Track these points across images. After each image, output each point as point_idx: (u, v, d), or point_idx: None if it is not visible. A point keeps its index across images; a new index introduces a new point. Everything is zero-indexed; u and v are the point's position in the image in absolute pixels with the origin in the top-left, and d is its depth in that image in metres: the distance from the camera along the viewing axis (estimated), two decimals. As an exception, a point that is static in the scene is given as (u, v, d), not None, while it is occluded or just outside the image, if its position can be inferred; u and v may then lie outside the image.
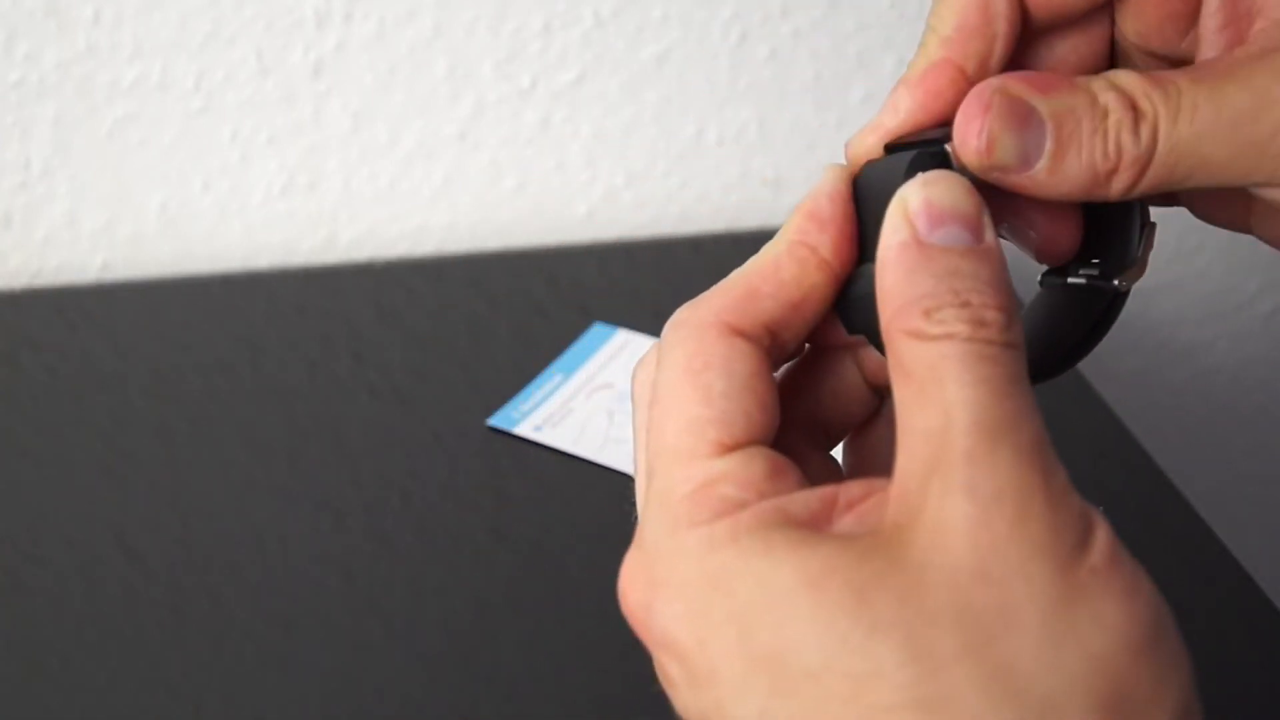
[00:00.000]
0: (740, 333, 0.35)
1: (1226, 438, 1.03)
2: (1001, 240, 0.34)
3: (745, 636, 0.31)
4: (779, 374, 0.37)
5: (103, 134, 0.80)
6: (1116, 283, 0.37)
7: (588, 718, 0.58)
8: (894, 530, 0.31)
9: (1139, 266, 0.37)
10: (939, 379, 0.31)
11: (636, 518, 0.35)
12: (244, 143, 0.82)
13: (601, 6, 0.82)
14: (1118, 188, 0.35)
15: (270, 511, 0.66)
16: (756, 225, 0.89)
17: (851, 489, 0.33)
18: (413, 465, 0.69)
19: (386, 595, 0.63)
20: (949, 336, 0.31)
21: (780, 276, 0.36)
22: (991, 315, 0.32)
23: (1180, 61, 0.38)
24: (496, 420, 0.71)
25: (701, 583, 0.32)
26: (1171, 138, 0.35)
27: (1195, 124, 0.35)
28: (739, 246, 0.86)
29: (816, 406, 0.38)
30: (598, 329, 0.77)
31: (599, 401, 0.72)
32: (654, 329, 0.77)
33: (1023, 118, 0.35)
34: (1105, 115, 0.35)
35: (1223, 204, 0.40)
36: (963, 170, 0.35)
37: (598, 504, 0.67)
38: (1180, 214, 0.41)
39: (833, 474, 0.38)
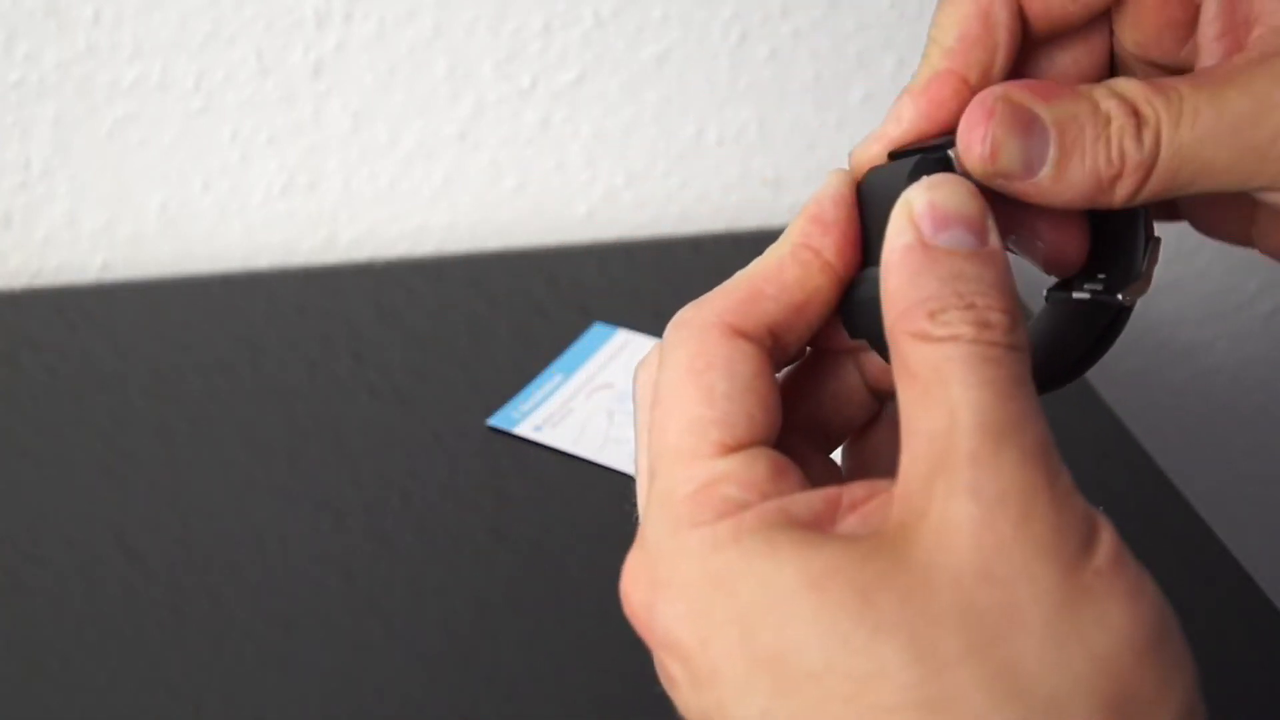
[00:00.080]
0: (743, 334, 0.35)
1: (1226, 438, 1.03)
2: (1008, 253, 0.35)
3: (747, 637, 0.31)
4: (780, 377, 0.37)
5: (103, 134, 0.80)
6: (1121, 297, 0.38)
7: (588, 718, 0.58)
8: (898, 531, 0.31)
9: (1144, 281, 0.38)
10: (944, 381, 0.31)
11: (638, 518, 0.35)
12: (244, 143, 0.82)
13: (601, 6, 0.82)
14: (1121, 194, 0.35)
15: (270, 511, 0.66)
16: (756, 225, 0.89)
17: (855, 490, 0.33)
18: (413, 465, 0.69)
19: (386, 595, 0.63)
20: (954, 338, 0.31)
21: (783, 279, 0.36)
22: (996, 317, 0.32)
23: (1179, 70, 0.38)
24: (496, 420, 0.71)
25: (704, 583, 0.32)
26: (1174, 143, 0.35)
27: (1197, 129, 0.35)
28: (739, 246, 0.86)
29: (817, 409, 0.38)
30: (598, 329, 0.77)
31: (599, 401, 0.72)
32: (654, 329, 0.77)
33: (1026, 124, 0.35)
34: (1108, 122, 0.35)
35: (1224, 216, 0.40)
36: (966, 177, 0.35)
37: (598, 504, 0.67)
38: (1180, 214, 0.41)
39: (833, 476, 0.38)
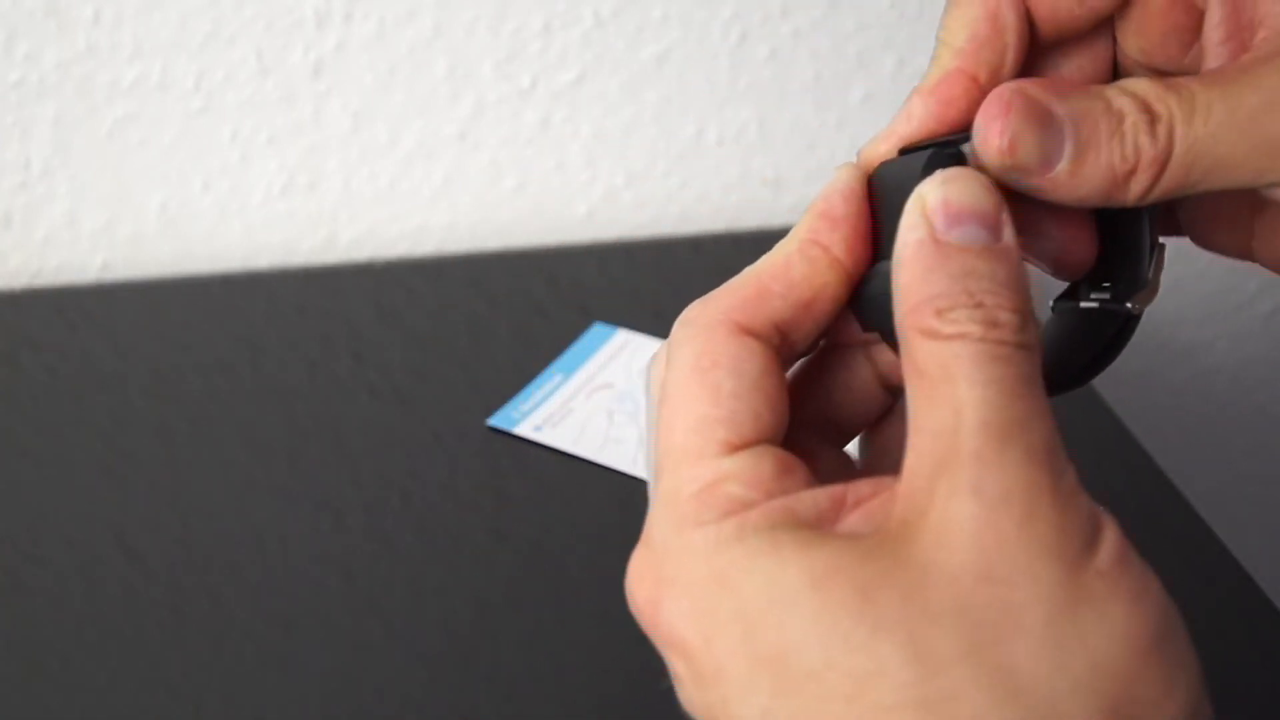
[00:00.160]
0: (750, 331, 0.35)
1: (1226, 438, 1.03)
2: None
3: (750, 635, 0.31)
4: (792, 370, 0.37)
5: (103, 134, 0.80)
6: (1130, 305, 0.38)
7: (588, 718, 0.58)
8: (900, 529, 0.31)
9: (1151, 288, 0.38)
10: (950, 378, 0.31)
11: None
12: (244, 143, 0.82)
13: (601, 6, 0.82)
14: (1136, 189, 0.35)
15: (270, 511, 0.66)
16: (756, 225, 0.89)
17: (860, 488, 0.33)
18: (413, 465, 0.69)
19: (386, 595, 0.63)
20: (961, 336, 0.31)
21: (791, 275, 0.36)
22: (1005, 316, 0.32)
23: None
24: (496, 420, 0.71)
25: (708, 581, 0.32)
26: (1188, 138, 0.35)
27: (1210, 124, 0.35)
28: (739, 246, 0.87)
29: (829, 403, 0.38)
30: (598, 329, 0.77)
31: (599, 401, 0.72)
32: (654, 329, 0.77)
33: (1043, 118, 0.35)
34: (1122, 118, 0.35)
35: (1225, 227, 0.40)
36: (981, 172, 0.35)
37: (598, 504, 0.67)
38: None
39: (846, 470, 0.38)
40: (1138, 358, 0.98)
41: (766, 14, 0.85)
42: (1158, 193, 0.36)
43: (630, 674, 0.59)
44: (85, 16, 0.77)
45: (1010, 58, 0.37)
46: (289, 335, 0.77)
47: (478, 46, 0.82)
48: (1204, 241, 0.41)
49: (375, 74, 0.81)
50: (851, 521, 0.33)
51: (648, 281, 0.83)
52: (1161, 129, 0.35)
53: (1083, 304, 0.38)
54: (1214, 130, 0.35)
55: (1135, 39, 0.39)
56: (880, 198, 0.36)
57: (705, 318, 0.35)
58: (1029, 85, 0.36)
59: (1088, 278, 0.38)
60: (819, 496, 0.33)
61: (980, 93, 0.37)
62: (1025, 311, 0.32)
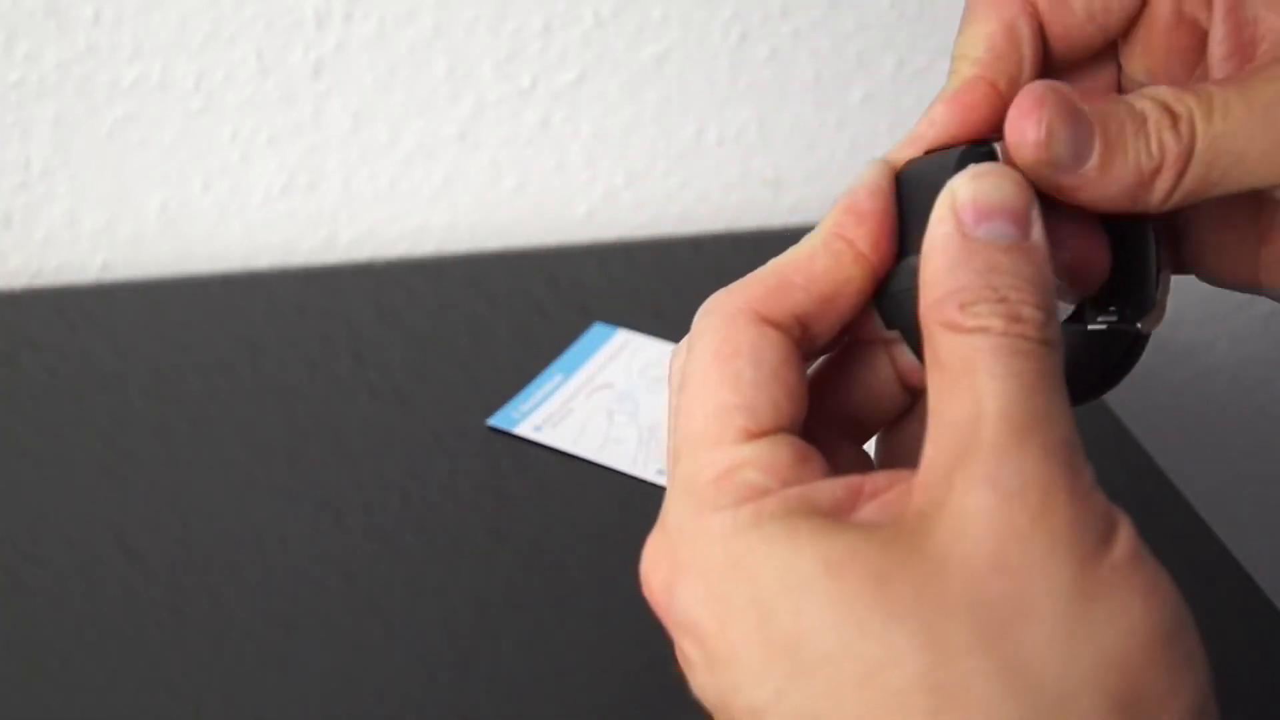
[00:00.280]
0: (771, 322, 0.35)
1: (1226, 438, 1.03)
2: None
3: (765, 621, 0.31)
4: (814, 366, 0.37)
5: (103, 134, 0.80)
6: (1139, 326, 0.38)
7: (587, 718, 0.58)
8: (917, 520, 0.31)
9: (1159, 310, 0.38)
10: (971, 371, 0.32)
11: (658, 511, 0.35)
12: (244, 143, 0.82)
13: (601, 6, 0.82)
14: (1161, 189, 0.36)
15: (270, 511, 0.66)
16: (756, 225, 0.89)
17: (877, 479, 0.33)
18: (413, 465, 0.69)
19: (386, 595, 0.63)
20: (983, 329, 0.32)
21: (813, 269, 0.36)
22: (1029, 312, 0.32)
23: None
24: (496, 420, 0.71)
25: (724, 566, 0.32)
26: (1208, 134, 0.36)
27: (1229, 120, 0.36)
28: (739, 246, 0.87)
29: (849, 400, 0.38)
30: (598, 329, 0.77)
31: (599, 401, 0.72)
32: (654, 329, 0.77)
33: (1075, 114, 0.36)
34: (1144, 119, 0.36)
35: (1230, 257, 0.41)
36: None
37: (598, 504, 0.67)
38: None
39: (864, 467, 0.38)
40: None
41: (766, 14, 0.85)
42: (1180, 194, 0.36)
43: (630, 674, 0.59)
44: (85, 16, 0.77)
45: (1027, 70, 0.38)
46: (289, 335, 0.77)
47: (478, 46, 0.82)
48: (1210, 273, 0.41)
49: (375, 74, 0.81)
50: (868, 512, 0.33)
51: (648, 281, 0.83)
52: (1184, 126, 0.36)
53: (1090, 326, 0.38)
54: (1233, 126, 0.36)
55: (1141, 60, 0.39)
56: (907, 194, 0.36)
57: (727, 307, 0.35)
58: (1059, 84, 0.36)
59: (1093, 301, 0.39)
60: (836, 486, 0.33)
61: (1001, 100, 0.37)
62: (1049, 309, 0.32)
